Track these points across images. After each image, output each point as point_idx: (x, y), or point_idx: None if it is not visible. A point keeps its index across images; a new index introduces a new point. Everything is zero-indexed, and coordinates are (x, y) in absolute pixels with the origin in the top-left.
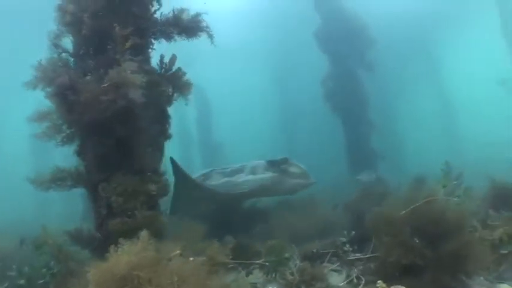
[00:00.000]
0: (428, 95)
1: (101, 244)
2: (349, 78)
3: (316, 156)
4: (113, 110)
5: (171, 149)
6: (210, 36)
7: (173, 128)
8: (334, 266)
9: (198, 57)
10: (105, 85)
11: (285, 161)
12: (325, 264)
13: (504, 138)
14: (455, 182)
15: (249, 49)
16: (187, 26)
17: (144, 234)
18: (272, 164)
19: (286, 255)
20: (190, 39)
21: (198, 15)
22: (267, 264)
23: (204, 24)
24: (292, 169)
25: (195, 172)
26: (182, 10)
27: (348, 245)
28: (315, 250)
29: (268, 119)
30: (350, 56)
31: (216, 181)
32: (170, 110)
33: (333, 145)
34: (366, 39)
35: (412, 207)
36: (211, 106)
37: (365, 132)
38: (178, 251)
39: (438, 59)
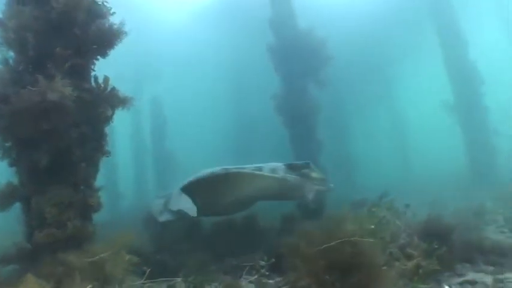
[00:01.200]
0: (383, 114)
1: (30, 255)
2: (299, 96)
3: None
4: (37, 110)
5: (125, 157)
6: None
7: (128, 138)
8: (252, 278)
9: (156, 67)
10: (33, 89)
11: (307, 165)
12: (244, 276)
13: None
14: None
15: (206, 59)
16: (104, 36)
17: (28, 277)
18: (292, 168)
19: (210, 269)
20: (111, 48)
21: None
22: (189, 279)
23: (115, 27)
24: (314, 174)
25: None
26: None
27: (264, 270)
28: (235, 263)
29: (222, 128)
30: (301, 75)
31: None
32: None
33: (286, 159)
34: (320, 58)
35: (326, 245)
36: (165, 116)
37: (313, 149)
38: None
39: (392, 81)
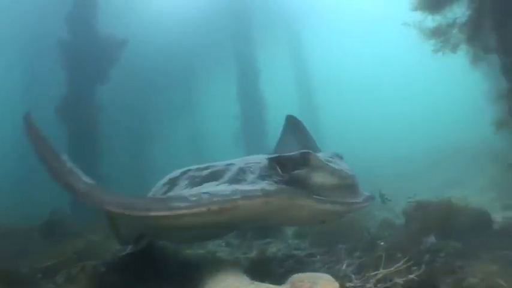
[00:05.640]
0: (183, 124)
1: None
2: (83, 99)
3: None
4: None
5: None
6: None
7: None
8: None
9: None
10: None
11: (305, 159)
12: None
13: None
14: None
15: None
16: None
17: None
18: (277, 165)
19: None
20: None
21: None
22: None
23: None
24: (319, 178)
25: None
26: None
27: None
28: None
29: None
30: (90, 77)
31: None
32: None
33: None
34: (112, 61)
35: None
36: None
37: (94, 154)
38: None
39: (195, 94)
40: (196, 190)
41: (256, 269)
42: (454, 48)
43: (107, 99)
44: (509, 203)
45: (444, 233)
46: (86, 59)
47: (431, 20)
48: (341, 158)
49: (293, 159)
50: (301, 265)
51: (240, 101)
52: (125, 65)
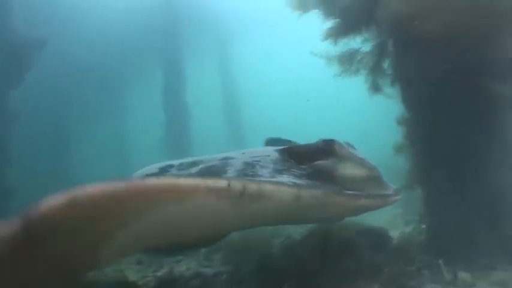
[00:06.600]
0: (108, 130)
1: None
2: None
3: None
4: None
5: None
6: None
7: None
8: None
9: None
10: None
11: (329, 148)
12: None
13: None
14: None
15: None
16: None
17: None
18: (289, 157)
19: None
20: None
21: None
22: None
23: None
24: (348, 169)
25: None
26: None
27: None
28: None
29: None
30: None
31: None
32: None
33: None
34: (26, 61)
35: None
36: None
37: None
38: None
39: (120, 100)
40: None
41: None
42: (355, 74)
43: (23, 103)
44: (410, 219)
45: (338, 254)
46: None
47: (334, 50)
48: (354, 147)
49: (314, 149)
50: (207, 285)
51: (165, 109)
52: (44, 67)
